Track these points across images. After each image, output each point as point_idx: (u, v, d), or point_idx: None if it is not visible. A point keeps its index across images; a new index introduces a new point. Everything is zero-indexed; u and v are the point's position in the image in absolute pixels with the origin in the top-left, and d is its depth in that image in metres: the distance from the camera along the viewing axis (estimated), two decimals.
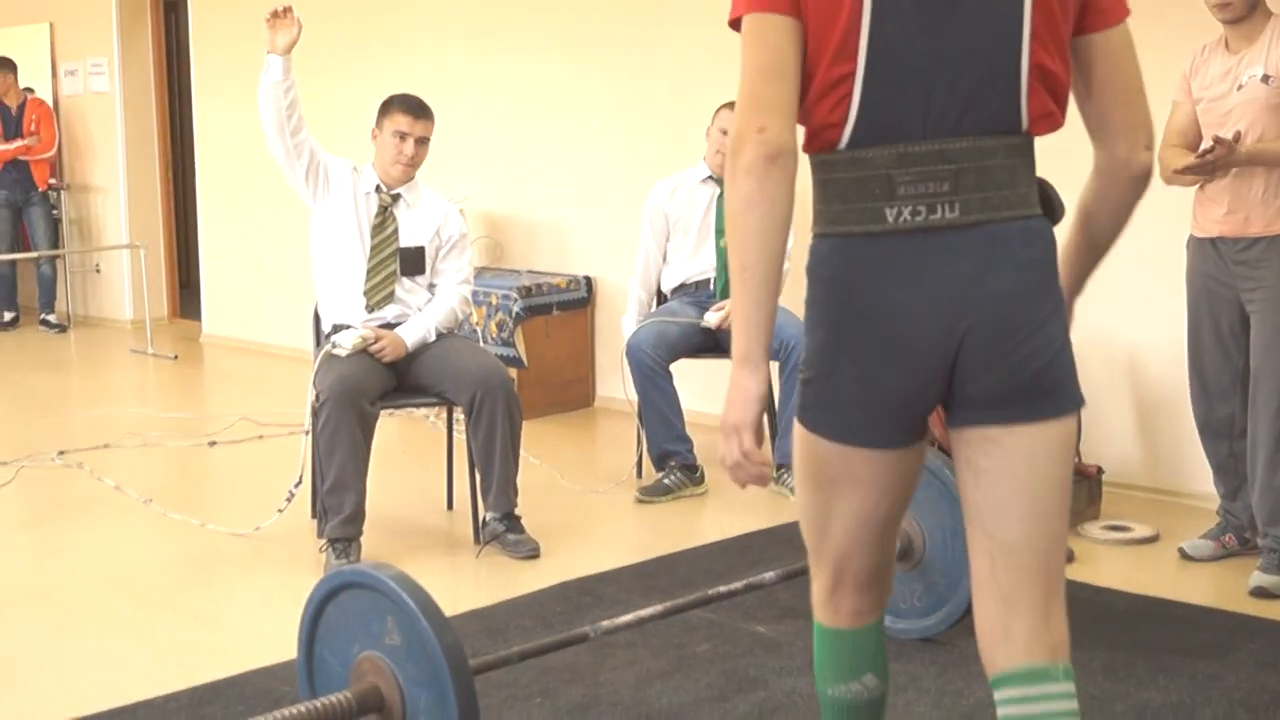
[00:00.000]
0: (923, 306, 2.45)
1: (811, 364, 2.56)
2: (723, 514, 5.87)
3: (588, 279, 8.25)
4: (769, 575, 4.29)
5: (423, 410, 7.58)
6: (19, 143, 11.47)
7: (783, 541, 5.50)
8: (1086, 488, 5.84)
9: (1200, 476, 5.84)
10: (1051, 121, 2.57)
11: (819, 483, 2.66)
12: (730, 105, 6.03)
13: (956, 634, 4.38)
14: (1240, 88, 5.02)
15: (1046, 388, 2.52)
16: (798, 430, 2.64)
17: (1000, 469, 2.55)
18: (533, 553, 5.44)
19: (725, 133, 6.43)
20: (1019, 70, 2.46)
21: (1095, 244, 2.82)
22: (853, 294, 2.49)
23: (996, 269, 2.47)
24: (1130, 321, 6.27)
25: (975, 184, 2.47)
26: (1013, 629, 2.55)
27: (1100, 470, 5.94)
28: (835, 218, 2.50)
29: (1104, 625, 4.63)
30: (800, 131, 2.51)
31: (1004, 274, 2.47)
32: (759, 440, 2.50)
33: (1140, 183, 2.66)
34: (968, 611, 4.27)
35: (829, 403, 2.55)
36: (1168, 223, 5.58)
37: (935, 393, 2.52)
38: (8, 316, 11.89)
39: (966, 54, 2.44)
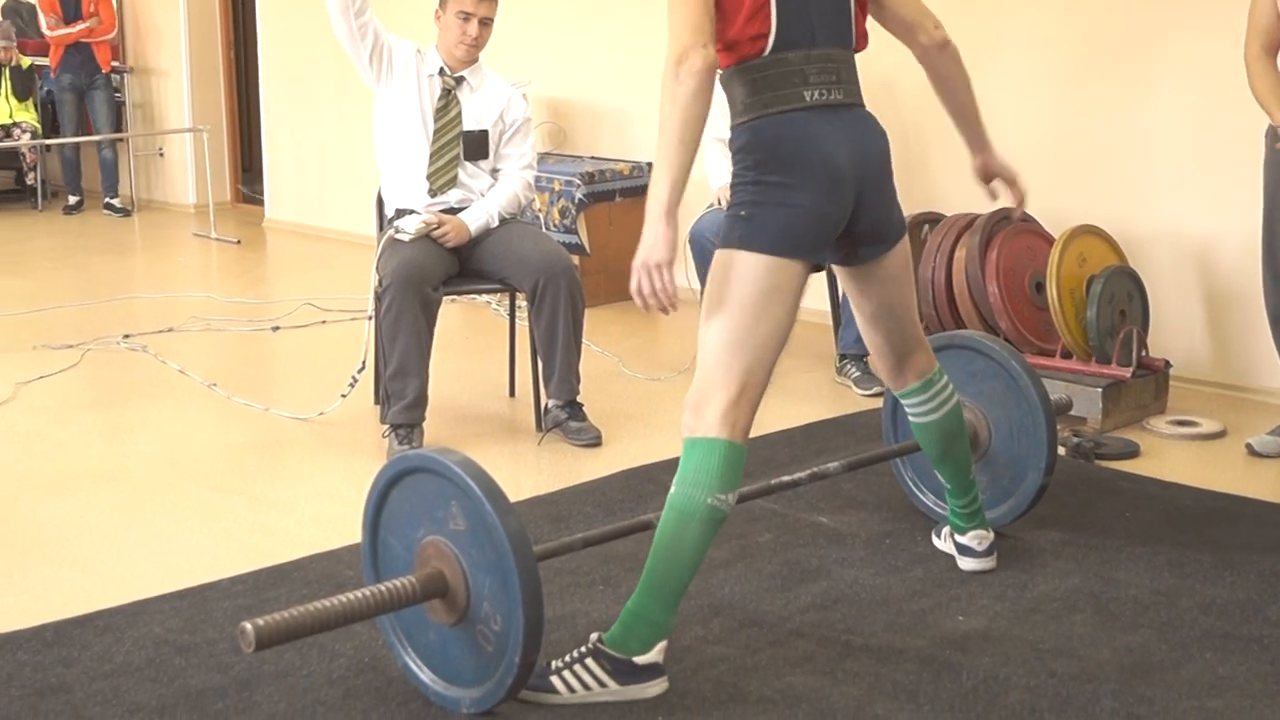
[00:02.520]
0: (843, 156, 3.45)
1: (761, 202, 3.39)
2: (786, 404, 5.83)
3: (651, 165, 8.17)
4: (832, 465, 4.27)
5: (485, 296, 7.57)
6: (80, 25, 11.46)
7: (846, 431, 5.48)
8: (1154, 381, 5.78)
9: (1269, 371, 5.79)
10: (863, 41, 3.64)
11: (750, 300, 3.37)
12: None
13: (1020, 526, 4.38)
14: None
15: (896, 221, 3.68)
16: (734, 257, 3.39)
17: (888, 278, 3.73)
18: (595, 440, 5.44)
19: None
20: (850, 4, 3.55)
21: (964, 108, 3.92)
22: (799, 146, 3.41)
23: (868, 137, 3.57)
24: (1201, 213, 6.19)
25: (846, 79, 3.54)
26: (910, 364, 3.89)
27: (1168, 364, 5.87)
28: (768, 102, 3.43)
29: (1170, 521, 4.59)
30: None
31: (874, 141, 3.59)
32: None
33: (948, 45, 3.74)
34: (1032, 504, 4.30)
35: (781, 226, 3.37)
36: (1241, 113, 5.49)
37: (846, 221, 3.52)
38: (72, 200, 11.94)
39: None
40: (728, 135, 3.52)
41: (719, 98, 3.56)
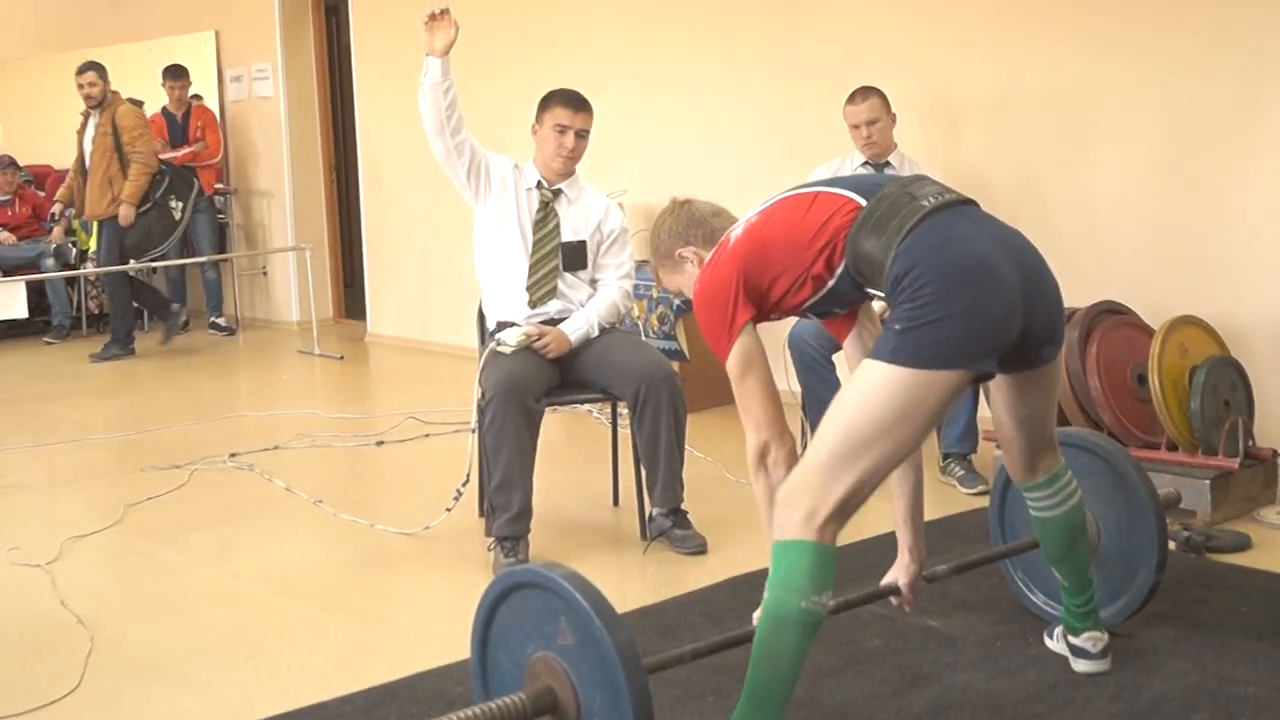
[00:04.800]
0: (997, 252, 3.36)
1: (916, 317, 3.25)
2: (890, 506, 5.78)
3: None
4: (940, 568, 4.23)
5: (587, 406, 7.59)
6: (186, 149, 11.68)
7: (952, 532, 5.44)
8: (1262, 471, 5.71)
9: None
10: None
11: (881, 415, 3.27)
12: (852, 99, 6.11)
13: (1133, 625, 4.31)
14: None
15: (1061, 326, 3.60)
16: (878, 368, 3.28)
17: (1041, 389, 3.73)
18: (700, 548, 5.42)
19: (855, 128, 6.46)
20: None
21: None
22: (948, 250, 3.32)
23: (1008, 230, 3.51)
24: None
25: (949, 188, 3.53)
26: (1041, 461, 3.89)
27: (1275, 453, 5.79)
28: (897, 228, 3.37)
29: None
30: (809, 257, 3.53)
31: (1015, 233, 3.53)
32: None
33: None
34: (1145, 602, 4.23)
35: (936, 338, 3.24)
36: None
37: (1018, 324, 3.36)
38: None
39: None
40: None
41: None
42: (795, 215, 3.56)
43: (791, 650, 3.31)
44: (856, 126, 6.49)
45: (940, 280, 3.27)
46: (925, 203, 3.40)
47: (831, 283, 3.53)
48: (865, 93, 6.51)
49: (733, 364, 3.60)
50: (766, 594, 3.33)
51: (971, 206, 3.52)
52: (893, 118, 6.52)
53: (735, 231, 3.69)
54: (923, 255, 3.31)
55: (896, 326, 3.29)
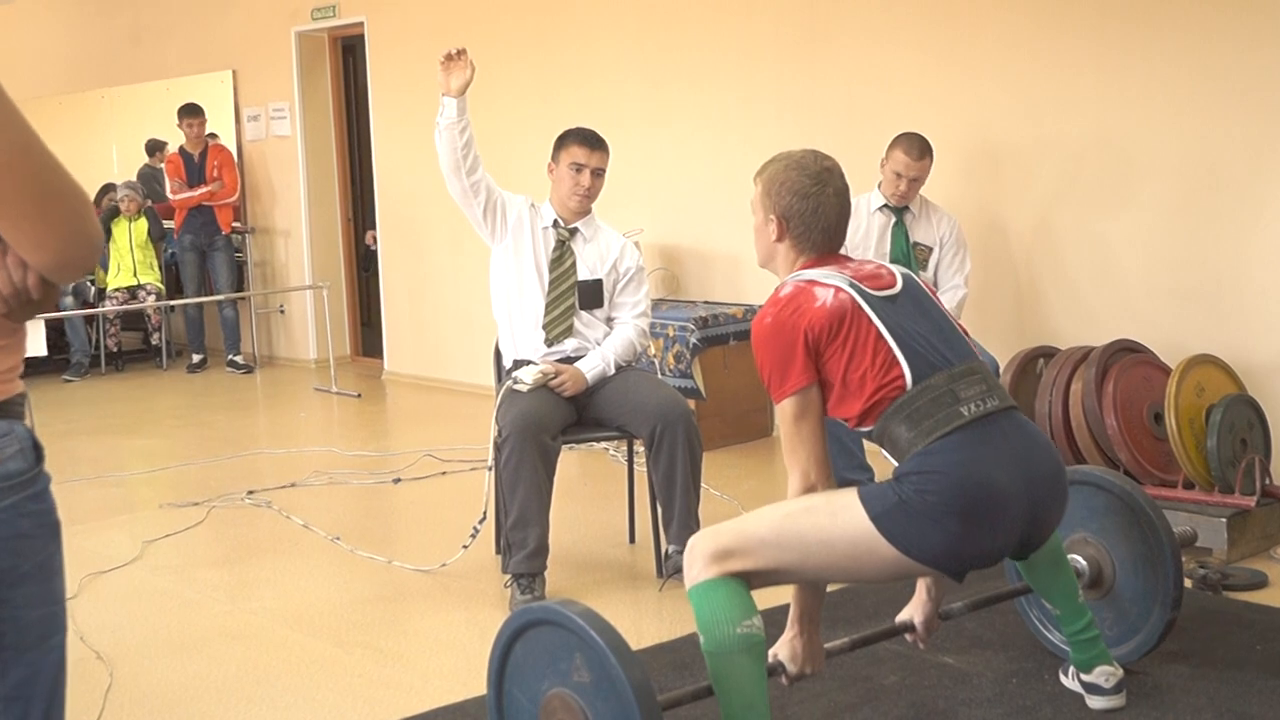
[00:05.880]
0: (1013, 482, 3.41)
1: (916, 509, 3.34)
2: None
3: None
4: (956, 605, 4.24)
5: (603, 444, 7.61)
6: (202, 189, 11.74)
7: None
8: (1279, 510, 5.70)
9: None
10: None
11: (832, 546, 3.41)
12: (901, 144, 6.12)
13: (1148, 662, 4.31)
14: None
15: (1054, 529, 3.69)
16: (858, 513, 3.38)
17: None
18: None
19: (898, 175, 6.44)
20: (954, 324, 3.72)
21: None
22: (964, 472, 3.35)
23: (1033, 448, 3.52)
24: None
25: (995, 385, 3.56)
26: None
27: None
28: (929, 430, 3.41)
29: None
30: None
31: (1041, 451, 3.54)
32: None
33: None
34: (1161, 639, 4.23)
35: (922, 536, 3.35)
36: None
37: (1005, 553, 3.55)
38: (196, 359, 12.18)
39: (935, 317, 3.64)
40: None
41: None
42: (856, 356, 3.53)
43: (749, 676, 3.38)
44: (899, 175, 6.46)
45: (948, 496, 3.35)
46: (964, 410, 3.44)
47: (852, 427, 3.59)
48: (923, 150, 6.49)
49: (789, 407, 3.57)
50: (702, 640, 3.41)
51: (1008, 416, 3.54)
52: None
53: (824, 295, 3.59)
54: (941, 464, 3.38)
55: (900, 494, 3.39)
